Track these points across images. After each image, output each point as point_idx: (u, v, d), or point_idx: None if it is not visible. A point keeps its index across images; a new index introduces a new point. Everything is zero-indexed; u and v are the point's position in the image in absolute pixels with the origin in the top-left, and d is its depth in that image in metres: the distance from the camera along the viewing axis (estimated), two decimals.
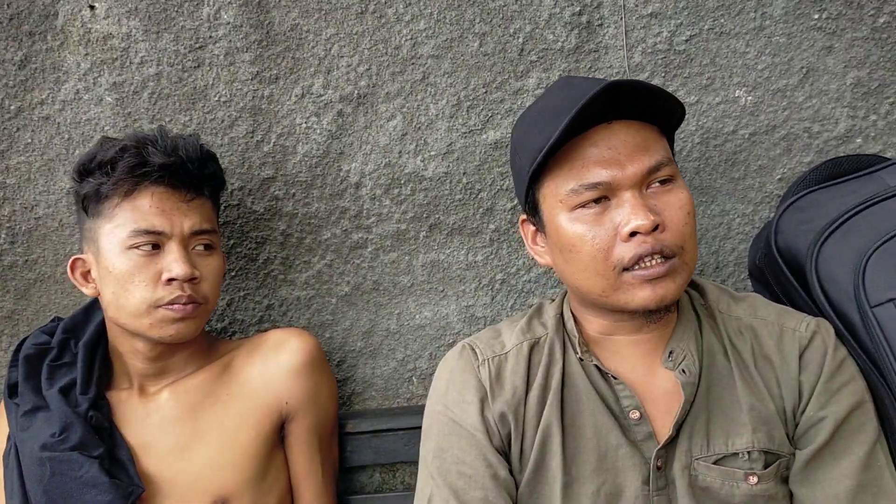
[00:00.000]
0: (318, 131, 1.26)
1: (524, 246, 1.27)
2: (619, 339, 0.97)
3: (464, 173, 1.26)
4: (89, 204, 1.05)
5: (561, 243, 0.93)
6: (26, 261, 1.31)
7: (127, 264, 1.03)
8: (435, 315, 1.31)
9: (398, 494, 1.28)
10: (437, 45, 1.24)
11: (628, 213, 0.87)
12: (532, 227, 1.01)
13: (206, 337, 1.17)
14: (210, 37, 1.25)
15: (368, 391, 1.33)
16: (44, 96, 1.26)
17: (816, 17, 1.20)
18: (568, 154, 0.91)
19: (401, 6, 1.22)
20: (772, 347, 0.93)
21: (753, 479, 0.88)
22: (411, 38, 1.24)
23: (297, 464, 1.14)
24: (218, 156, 1.25)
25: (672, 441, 0.91)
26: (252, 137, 1.27)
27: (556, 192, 0.92)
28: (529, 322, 1.01)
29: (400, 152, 1.26)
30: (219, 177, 1.14)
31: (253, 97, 1.26)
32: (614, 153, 0.89)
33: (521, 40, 1.23)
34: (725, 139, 1.24)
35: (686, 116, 1.09)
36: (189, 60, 1.25)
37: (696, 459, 0.90)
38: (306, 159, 1.27)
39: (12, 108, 1.26)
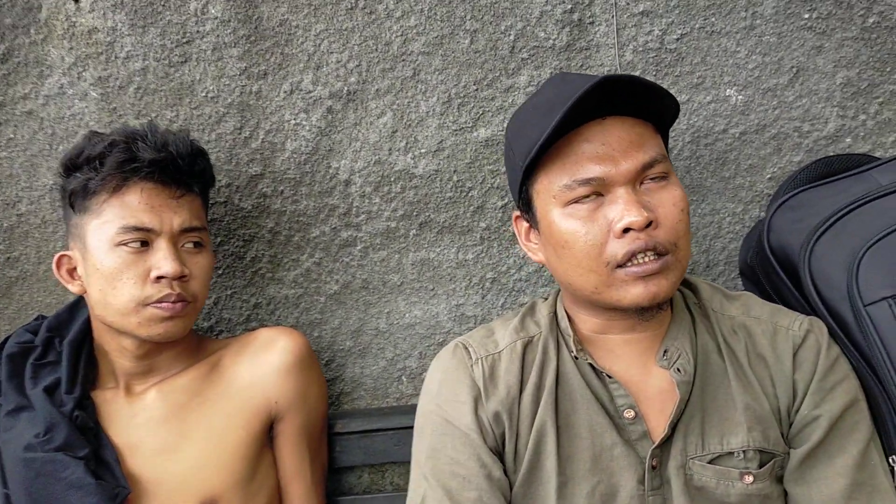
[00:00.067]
0: (307, 128, 1.25)
1: (515, 244, 1.27)
2: (613, 337, 0.96)
3: (454, 171, 1.26)
4: (76, 199, 1.03)
5: (554, 239, 0.92)
6: (8, 258, 1.28)
7: (115, 261, 1.01)
8: (425, 314, 1.30)
9: (387, 495, 1.27)
10: (427, 41, 1.23)
11: (621, 210, 0.86)
12: (525, 224, 1.00)
13: (194, 336, 1.16)
14: (197, 31, 1.23)
15: (357, 391, 1.32)
16: (27, 91, 1.24)
17: (807, 16, 1.20)
18: (561, 149, 0.90)
19: (391, 2, 1.21)
20: (766, 346, 0.93)
21: (749, 479, 0.88)
22: (402, 35, 1.22)
23: (285, 464, 1.12)
24: None
25: (667, 440, 0.90)
26: (240, 134, 1.25)
27: (550, 188, 0.91)
28: (523, 321, 1.01)
29: (390, 149, 1.25)
30: (209, 173, 1.13)
31: (241, 93, 1.24)
32: (608, 149, 0.88)
33: (512, 38, 1.22)
34: (716, 138, 1.24)
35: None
36: (176, 55, 1.24)
37: (691, 459, 0.90)
38: (295, 156, 1.26)
39: None
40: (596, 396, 0.93)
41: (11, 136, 1.25)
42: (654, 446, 0.90)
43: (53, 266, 1.06)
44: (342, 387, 1.32)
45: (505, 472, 0.93)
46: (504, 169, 1.25)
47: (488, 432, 0.93)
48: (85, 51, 1.23)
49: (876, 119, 1.22)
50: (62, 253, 1.06)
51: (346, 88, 1.24)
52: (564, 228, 0.90)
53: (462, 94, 1.24)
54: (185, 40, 1.23)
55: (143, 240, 1.02)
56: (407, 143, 1.25)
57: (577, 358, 0.94)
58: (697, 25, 1.21)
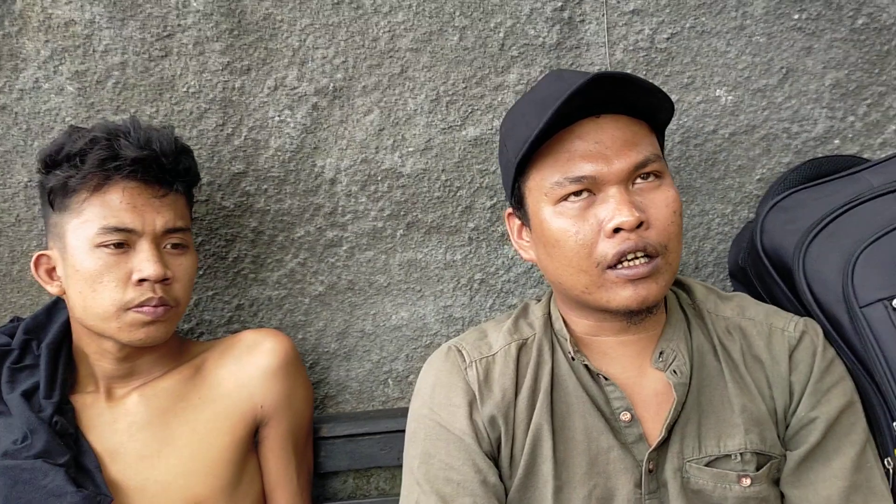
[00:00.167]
0: (292, 125, 1.22)
1: (503, 245, 1.25)
2: (607, 339, 0.95)
3: (442, 170, 1.23)
4: (56, 198, 0.99)
5: (544, 237, 0.91)
6: None
7: (95, 263, 0.97)
8: (412, 316, 1.27)
9: (372, 501, 1.25)
10: (415, 38, 1.20)
11: (612, 209, 0.85)
12: (517, 222, 0.99)
13: (177, 338, 1.12)
14: (178, 25, 1.19)
15: (342, 394, 1.29)
16: (0, 84, 1.20)
17: (796, 17, 1.20)
18: (554, 146, 0.89)
19: None
20: (761, 348, 0.92)
21: (746, 481, 0.87)
22: (389, 31, 1.20)
23: (271, 470, 1.09)
24: None
25: (663, 443, 0.89)
26: (222, 130, 1.22)
27: (542, 185, 0.90)
28: (516, 322, 0.99)
29: (377, 148, 1.23)
30: (194, 171, 1.09)
31: (223, 89, 1.21)
32: (601, 147, 0.87)
33: (501, 35, 1.20)
34: (706, 139, 1.23)
35: None
36: (156, 49, 1.20)
37: (688, 461, 0.89)
38: (279, 154, 1.23)
39: None
40: (591, 399, 0.92)
41: None
42: (650, 449, 0.89)
43: (31, 266, 1.02)
44: (327, 390, 1.29)
45: (500, 477, 0.91)
46: (493, 168, 1.23)
47: (483, 437, 0.91)
48: (61, 44, 1.19)
49: (864, 121, 1.22)
50: (41, 252, 1.02)
51: (331, 85, 1.21)
52: (555, 227, 0.89)
53: (451, 92, 1.22)
54: (165, 34, 1.20)
55: (125, 241, 0.98)
56: (394, 142, 1.23)
57: (573, 359, 0.93)
58: (688, 25, 1.20)
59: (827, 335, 0.94)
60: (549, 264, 0.92)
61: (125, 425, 1.02)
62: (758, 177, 1.24)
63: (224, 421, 1.05)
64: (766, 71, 1.21)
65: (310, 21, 1.20)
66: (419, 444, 0.92)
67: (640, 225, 0.85)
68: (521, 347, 0.96)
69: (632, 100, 0.89)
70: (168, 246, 1.03)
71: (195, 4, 1.18)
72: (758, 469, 0.88)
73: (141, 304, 0.98)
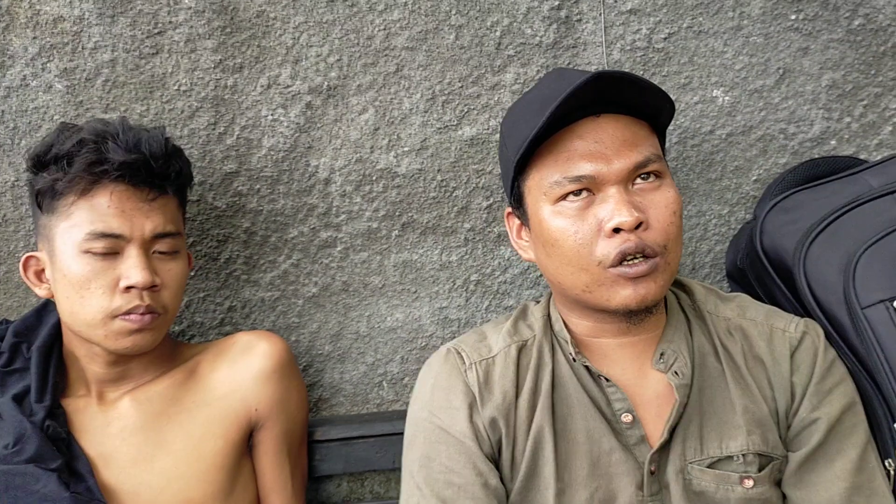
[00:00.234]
0: (286, 124, 1.20)
1: (500, 246, 1.24)
2: (607, 341, 0.94)
3: (438, 170, 1.22)
4: (44, 199, 0.97)
5: (544, 237, 0.90)
6: None
7: (83, 269, 0.95)
8: (407, 317, 1.26)
9: None
10: (411, 36, 1.19)
11: (612, 209, 0.85)
12: (517, 221, 0.98)
13: (169, 340, 1.10)
14: (170, 22, 1.17)
15: (336, 397, 1.28)
16: None
17: (793, 17, 1.20)
18: (554, 145, 0.89)
19: None
20: (763, 348, 0.92)
21: (749, 483, 0.87)
22: (384, 29, 1.19)
23: (265, 474, 1.07)
24: None
25: (665, 445, 0.88)
26: (214, 129, 1.20)
27: (541, 184, 0.90)
28: (515, 324, 0.98)
29: (372, 147, 1.21)
30: (186, 173, 1.06)
31: (215, 87, 1.19)
32: (601, 147, 0.87)
33: (498, 34, 1.19)
34: (703, 139, 1.22)
35: None
36: (146, 46, 1.18)
37: (690, 463, 0.88)
38: (272, 153, 1.21)
39: None
40: (593, 400, 0.91)
41: None
42: (652, 451, 0.88)
43: (20, 267, 1.00)
44: (321, 393, 1.27)
45: (501, 479, 0.89)
46: (490, 168, 1.22)
47: (484, 439, 0.89)
48: (50, 40, 1.17)
49: (860, 122, 1.22)
50: (30, 254, 1.00)
51: (326, 83, 1.20)
52: (554, 226, 0.88)
53: (447, 91, 1.20)
54: (156, 31, 1.18)
55: (113, 248, 0.96)
56: (389, 141, 1.21)
57: (574, 360, 0.92)
58: (685, 25, 1.20)
59: (828, 336, 0.93)
60: (548, 264, 0.92)
61: (118, 429, 1.00)
62: (754, 177, 1.23)
63: (218, 425, 1.03)
64: (762, 71, 1.21)
65: (304, 19, 1.18)
66: (419, 448, 0.91)
67: (639, 225, 0.84)
68: (521, 349, 0.95)
69: (633, 100, 0.89)
70: (158, 251, 1.00)
71: (187, 1, 1.17)
72: (760, 470, 0.88)
73: (128, 312, 0.96)
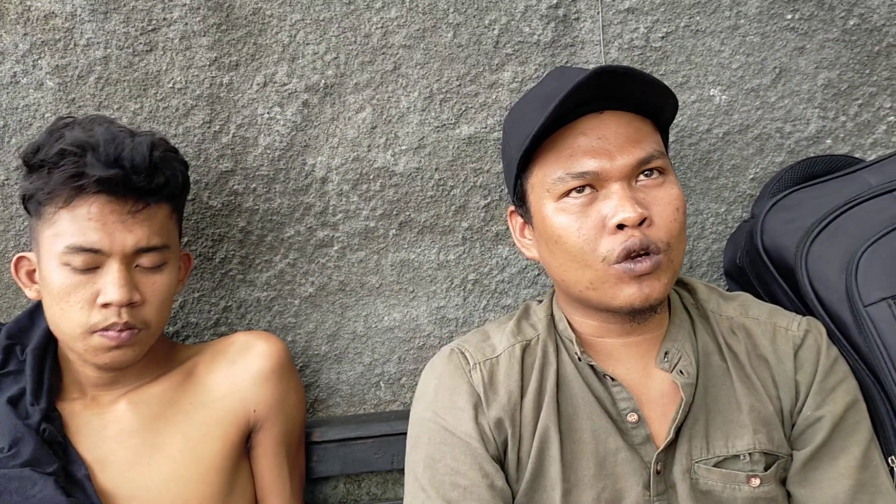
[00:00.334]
0: (282, 122, 1.19)
1: (498, 245, 1.24)
2: (612, 341, 0.94)
3: (436, 169, 1.21)
4: (30, 204, 0.95)
5: (547, 234, 0.90)
6: None
7: (62, 281, 0.92)
8: (404, 317, 1.25)
9: None
10: (409, 34, 1.18)
11: (615, 206, 0.84)
12: (520, 220, 0.98)
13: (165, 342, 1.08)
14: (164, 19, 1.16)
15: (333, 397, 1.27)
16: None
17: (789, 17, 1.20)
18: (557, 143, 0.89)
19: None
20: (767, 347, 0.92)
21: (756, 482, 0.87)
22: (382, 27, 1.18)
23: (264, 476, 1.06)
24: None
25: (671, 444, 0.88)
26: (209, 128, 1.19)
27: (544, 181, 0.89)
28: (518, 324, 0.97)
29: (369, 146, 1.20)
30: (176, 182, 1.00)
31: (210, 84, 1.18)
32: (604, 143, 0.86)
33: (496, 32, 1.19)
34: (700, 138, 1.23)
35: None
36: (140, 43, 1.16)
37: (697, 462, 0.88)
38: (268, 152, 1.20)
39: None
40: (598, 400, 0.90)
41: None
42: (658, 450, 0.88)
43: (12, 267, 0.98)
44: (317, 393, 1.26)
45: (507, 480, 0.89)
46: (487, 167, 1.21)
47: (489, 440, 0.89)
48: (41, 37, 1.15)
49: (855, 121, 1.23)
50: (22, 254, 0.98)
51: (322, 82, 1.19)
52: (557, 223, 0.88)
53: (444, 90, 1.20)
54: (150, 28, 1.16)
55: (92, 263, 0.92)
56: (387, 140, 1.20)
57: (580, 359, 0.91)
58: (682, 24, 1.20)
59: (830, 334, 0.94)
60: (551, 261, 0.91)
61: (115, 433, 0.98)
62: (751, 176, 1.24)
63: (216, 426, 1.02)
64: (759, 71, 1.21)
65: (300, 16, 1.17)
66: (423, 449, 0.90)
67: (642, 221, 0.84)
68: (525, 349, 0.94)
69: (635, 96, 0.89)
70: (140, 264, 0.96)
71: None
72: (766, 469, 0.88)
73: (106, 328, 0.93)
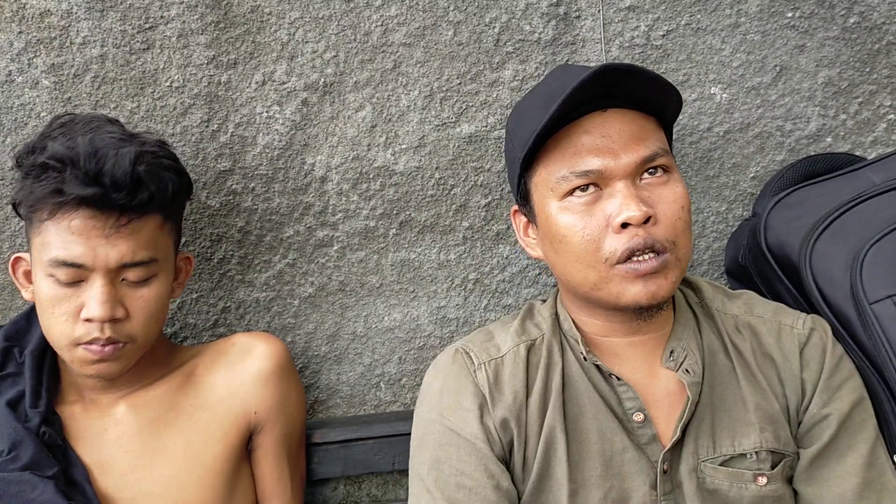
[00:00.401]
0: (281, 121, 1.18)
1: (498, 244, 1.23)
2: (617, 340, 0.93)
3: (436, 168, 1.21)
4: (20, 210, 0.94)
5: (551, 233, 0.89)
6: None
7: (48, 292, 0.91)
8: (405, 317, 1.24)
9: None
10: (409, 32, 1.17)
11: (619, 204, 0.84)
12: (524, 219, 0.97)
13: (165, 343, 1.07)
14: (161, 17, 1.15)
15: (333, 398, 1.26)
16: None
17: (790, 15, 1.20)
18: (561, 141, 0.88)
19: None
20: (772, 345, 0.92)
21: (762, 480, 0.86)
22: (382, 25, 1.17)
23: (265, 478, 1.05)
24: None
25: (678, 443, 0.88)
26: (207, 127, 1.18)
27: (548, 180, 0.89)
28: (523, 323, 0.97)
29: (369, 145, 1.20)
30: (164, 194, 0.95)
31: (208, 83, 1.17)
32: (608, 141, 0.86)
33: (496, 30, 1.18)
34: (700, 136, 1.22)
35: None
36: (137, 42, 1.15)
37: (703, 461, 0.88)
38: (267, 151, 1.19)
39: None
40: (604, 399, 0.90)
41: None
42: (664, 450, 0.87)
43: (9, 267, 0.97)
44: (317, 394, 1.25)
45: (513, 481, 0.88)
46: (488, 166, 1.21)
47: (495, 441, 0.88)
48: (36, 35, 1.13)
49: (855, 119, 1.23)
50: (18, 255, 0.97)
51: (322, 80, 1.18)
52: (562, 222, 0.87)
53: (445, 88, 1.19)
54: (147, 26, 1.15)
55: (76, 277, 0.90)
56: (387, 139, 1.20)
57: (585, 359, 0.91)
58: (683, 22, 1.19)
59: (835, 332, 0.93)
60: (556, 261, 0.91)
61: (115, 436, 0.97)
62: (752, 174, 1.23)
63: (217, 429, 1.01)
64: (760, 69, 1.21)
65: (299, 14, 1.16)
66: (428, 450, 0.89)
67: (647, 220, 0.84)
68: (530, 348, 0.93)
69: (639, 94, 0.88)
70: (126, 278, 0.94)
71: None
72: (773, 467, 0.87)
73: (90, 342, 0.91)
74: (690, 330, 0.93)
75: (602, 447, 0.88)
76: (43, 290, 0.91)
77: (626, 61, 1.19)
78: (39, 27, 1.13)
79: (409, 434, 0.97)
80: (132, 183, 0.90)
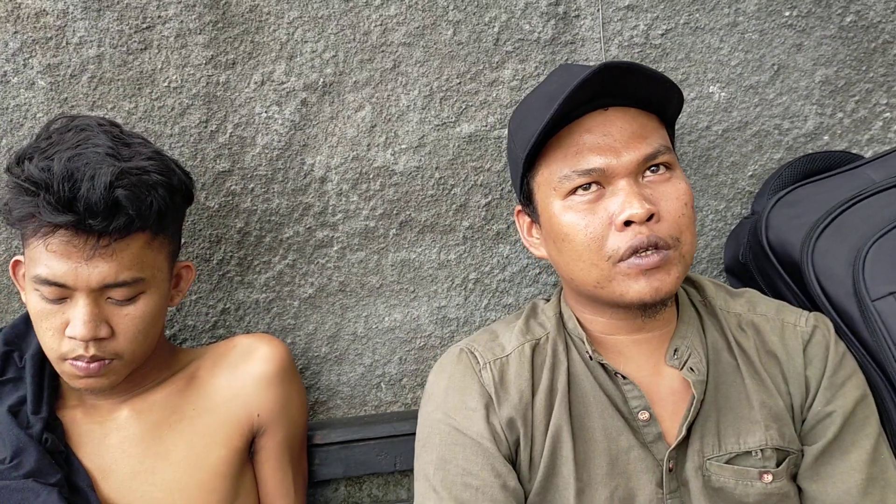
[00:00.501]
0: (280, 121, 1.18)
1: (498, 244, 1.23)
2: (622, 338, 0.93)
3: (436, 168, 1.20)
4: (8, 220, 0.92)
5: (554, 233, 0.89)
6: None
7: (35, 306, 0.90)
8: (405, 317, 1.24)
9: None
10: (408, 31, 1.17)
11: (622, 202, 0.84)
12: (527, 219, 0.97)
13: (166, 346, 1.06)
14: (159, 16, 1.14)
15: (333, 399, 1.25)
16: None
17: (787, 14, 1.20)
18: (562, 140, 0.88)
19: None
20: (776, 343, 0.92)
21: (768, 478, 0.87)
22: (381, 24, 1.17)
23: (268, 481, 1.04)
24: (167, 148, 1.15)
25: (683, 441, 0.88)
26: (206, 127, 1.17)
27: (550, 180, 0.89)
28: (527, 322, 0.97)
29: (368, 145, 1.19)
30: (147, 215, 0.90)
31: (207, 83, 1.16)
32: (610, 140, 0.86)
33: (496, 30, 1.18)
34: (699, 135, 1.23)
35: None
36: (135, 42, 1.14)
37: (709, 459, 0.88)
38: (266, 151, 1.18)
39: None
40: (609, 398, 0.90)
41: None
42: (670, 448, 0.87)
43: (10, 270, 0.96)
44: (318, 395, 1.25)
45: (519, 480, 0.88)
46: (488, 166, 1.21)
47: (501, 440, 0.88)
48: (32, 35, 1.12)
49: (852, 117, 1.24)
50: (18, 258, 0.96)
51: (321, 80, 1.17)
52: (564, 221, 0.87)
53: (444, 88, 1.19)
54: (145, 25, 1.14)
55: (61, 295, 0.89)
56: (386, 139, 1.19)
57: (591, 358, 0.91)
58: (682, 21, 1.20)
59: (837, 329, 0.94)
60: (560, 260, 0.91)
61: (117, 441, 0.96)
62: (750, 173, 1.24)
63: (220, 432, 1.00)
64: (757, 68, 1.22)
65: (298, 14, 1.15)
66: (434, 450, 0.89)
67: (650, 217, 0.84)
68: (535, 348, 0.93)
69: (640, 92, 0.89)
70: (111, 297, 0.91)
71: None
72: (778, 465, 0.88)
73: (75, 358, 0.90)
74: (694, 328, 0.93)
75: (608, 446, 0.88)
76: (31, 304, 0.91)
77: (626, 60, 1.20)
78: (35, 27, 1.12)
79: (411, 434, 0.97)
80: (108, 208, 0.86)
